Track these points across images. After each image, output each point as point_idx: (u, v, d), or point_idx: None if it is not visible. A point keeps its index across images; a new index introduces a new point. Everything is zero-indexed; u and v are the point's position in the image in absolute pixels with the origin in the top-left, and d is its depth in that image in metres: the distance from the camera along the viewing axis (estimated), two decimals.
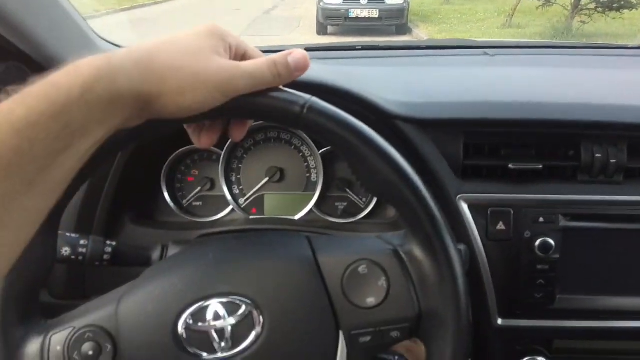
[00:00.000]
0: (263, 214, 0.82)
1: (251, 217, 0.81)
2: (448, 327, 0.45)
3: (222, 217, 0.81)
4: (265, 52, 0.46)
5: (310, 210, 0.80)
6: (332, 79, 0.70)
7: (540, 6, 7.77)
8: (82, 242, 0.57)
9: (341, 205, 0.82)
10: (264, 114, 0.44)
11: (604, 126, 0.71)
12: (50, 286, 0.73)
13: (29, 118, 0.33)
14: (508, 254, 0.68)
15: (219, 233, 0.78)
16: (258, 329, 0.46)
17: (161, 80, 0.39)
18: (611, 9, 7.07)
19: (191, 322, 0.46)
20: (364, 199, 0.82)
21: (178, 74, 0.39)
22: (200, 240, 0.74)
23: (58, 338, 0.47)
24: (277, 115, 0.44)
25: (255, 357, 0.45)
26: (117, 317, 0.47)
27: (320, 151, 0.79)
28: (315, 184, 0.81)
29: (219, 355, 0.45)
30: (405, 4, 8.11)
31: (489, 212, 0.68)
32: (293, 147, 0.82)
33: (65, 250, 0.56)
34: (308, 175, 0.82)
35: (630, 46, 1.19)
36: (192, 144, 0.78)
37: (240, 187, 0.82)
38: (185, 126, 0.48)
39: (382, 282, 0.47)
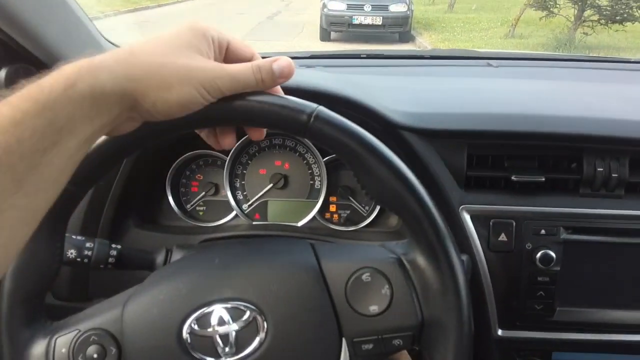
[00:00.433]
0: (266, 220, 0.82)
1: (254, 222, 0.81)
2: (450, 336, 0.46)
3: (226, 222, 0.82)
4: (266, 57, 0.46)
5: (313, 218, 0.81)
6: (337, 87, 0.71)
7: (543, 17, 7.80)
8: (87, 244, 0.58)
9: (344, 213, 0.83)
10: (271, 122, 0.45)
11: (607, 140, 0.71)
12: (54, 288, 0.73)
13: (14, 117, 0.34)
14: (509, 265, 0.68)
15: (223, 238, 0.78)
16: (262, 334, 0.46)
17: (145, 76, 0.39)
18: (614, 22, 7.09)
19: (196, 327, 0.46)
20: (366, 207, 0.82)
21: (162, 70, 0.40)
22: (205, 245, 0.75)
23: (63, 340, 0.47)
24: (284, 124, 0.44)
25: None
26: (122, 321, 0.47)
27: (324, 159, 0.80)
28: (319, 191, 0.81)
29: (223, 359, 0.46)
30: (409, 12, 8.15)
31: (491, 223, 0.68)
32: (297, 154, 0.83)
33: (71, 253, 0.57)
34: (312, 182, 0.83)
35: (632, 60, 1.20)
36: (197, 149, 0.80)
37: (244, 193, 0.83)
38: (197, 132, 0.49)
39: (386, 290, 0.48)
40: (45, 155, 0.35)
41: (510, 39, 8.22)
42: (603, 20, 7.17)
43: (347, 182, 0.82)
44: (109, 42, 0.85)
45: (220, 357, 0.46)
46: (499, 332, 0.71)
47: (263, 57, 0.46)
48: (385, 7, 8.06)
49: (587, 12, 7.40)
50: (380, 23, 8.05)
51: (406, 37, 8.44)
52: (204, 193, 0.83)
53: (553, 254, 0.66)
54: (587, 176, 0.70)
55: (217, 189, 0.83)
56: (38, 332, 0.47)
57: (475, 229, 0.68)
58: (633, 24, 7.14)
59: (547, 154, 0.72)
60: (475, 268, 0.67)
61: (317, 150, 0.80)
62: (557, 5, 7.63)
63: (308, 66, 0.98)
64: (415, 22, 8.92)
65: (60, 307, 0.72)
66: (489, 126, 0.73)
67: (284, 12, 12.70)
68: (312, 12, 10.19)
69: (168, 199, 0.81)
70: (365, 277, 0.48)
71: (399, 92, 0.84)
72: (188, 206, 0.83)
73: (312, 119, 0.43)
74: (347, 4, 8.04)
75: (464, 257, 0.55)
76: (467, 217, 0.69)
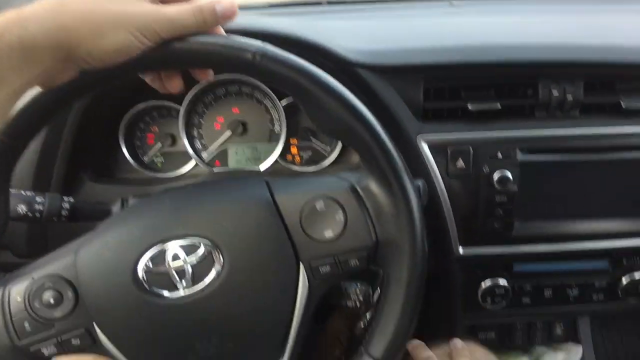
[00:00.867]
0: (227, 167, 0.81)
1: (215, 170, 0.80)
2: (403, 255, 0.47)
3: (186, 172, 0.81)
4: None
5: (275, 161, 0.80)
6: (288, 29, 0.70)
7: None
8: (38, 199, 0.57)
9: (306, 155, 0.82)
10: (214, 62, 0.45)
11: (561, 65, 0.72)
12: (12, 246, 0.72)
13: None
14: (468, 188, 0.69)
15: None
16: (218, 267, 0.46)
17: (77, 24, 0.38)
18: None
19: (151, 265, 0.46)
20: (328, 147, 0.82)
21: (94, 17, 0.38)
22: (159, 190, 0.74)
23: (17, 289, 0.46)
24: (229, 64, 0.44)
25: (217, 292, 0.46)
26: (76, 266, 0.47)
27: (282, 102, 0.79)
28: (279, 134, 0.80)
29: (181, 292, 0.46)
30: None
31: (448, 151, 0.69)
32: (255, 100, 0.81)
33: (21, 208, 0.56)
34: (271, 127, 0.82)
35: None
36: (149, 99, 0.78)
37: (203, 142, 0.81)
38: (142, 77, 0.48)
39: (340, 216, 0.48)
40: None
41: None
42: None
43: (307, 123, 0.81)
44: None
45: (177, 289, 0.46)
46: (460, 250, 0.73)
47: None
48: None
49: None
50: None
51: None
52: (160, 144, 0.81)
53: (510, 175, 0.67)
54: (542, 100, 0.70)
55: (175, 140, 0.81)
56: None
57: (433, 157, 0.69)
58: None
59: (503, 82, 0.72)
60: (434, 192, 0.68)
61: (274, 95, 0.79)
62: None
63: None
64: None
65: (20, 265, 0.70)
66: (444, 58, 0.72)
67: None
68: None
69: (123, 152, 0.79)
70: (319, 205, 0.48)
71: (356, 32, 0.83)
72: (145, 158, 0.82)
73: (257, 57, 0.42)
74: None
75: (419, 182, 0.55)
76: (424, 146, 0.69)
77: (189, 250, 0.46)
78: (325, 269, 0.48)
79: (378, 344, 0.47)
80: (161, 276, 0.46)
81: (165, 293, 0.46)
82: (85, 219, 0.60)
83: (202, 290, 0.46)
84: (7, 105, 0.38)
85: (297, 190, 0.50)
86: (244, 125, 0.81)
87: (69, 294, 0.46)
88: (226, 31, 0.46)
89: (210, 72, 0.50)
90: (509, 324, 0.89)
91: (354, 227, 0.48)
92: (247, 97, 0.81)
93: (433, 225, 0.76)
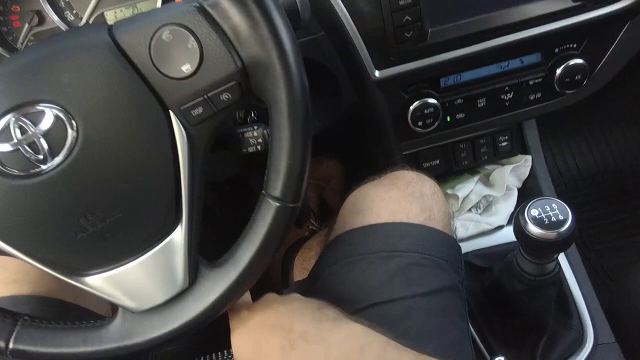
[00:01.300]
0: None
1: None
2: (276, 73, 0.41)
3: None
4: None
5: None
6: None
7: None
8: None
9: None
10: None
11: None
12: None
13: None
14: (371, 4, 0.62)
15: None
16: (72, 132, 0.40)
17: None
18: None
19: None
20: None
21: None
22: None
23: None
24: None
25: (81, 159, 0.40)
26: None
27: None
28: None
29: (43, 167, 0.40)
30: None
31: None
32: None
33: None
34: None
35: None
36: None
37: (74, 12, 0.71)
38: None
39: (192, 43, 0.41)
40: None
41: None
42: None
43: None
44: None
45: (37, 166, 0.40)
46: (376, 73, 0.67)
47: None
48: None
49: None
50: None
51: None
52: (27, 25, 0.71)
53: None
54: None
55: (42, 17, 0.71)
56: None
57: None
58: None
59: None
60: (334, 15, 0.60)
61: None
62: None
63: None
64: None
65: None
66: None
67: None
68: None
69: None
70: (166, 35, 0.41)
71: None
72: (18, 45, 0.72)
73: None
74: None
75: None
76: None
77: (33, 119, 0.39)
78: (197, 111, 0.42)
79: (275, 182, 0.43)
80: (12, 156, 0.40)
81: (24, 172, 0.40)
82: None
83: (64, 160, 0.40)
84: None
85: (139, 25, 0.42)
86: None
87: None
88: None
89: None
90: (451, 147, 0.86)
91: (212, 54, 0.41)
92: None
93: (343, 52, 0.70)
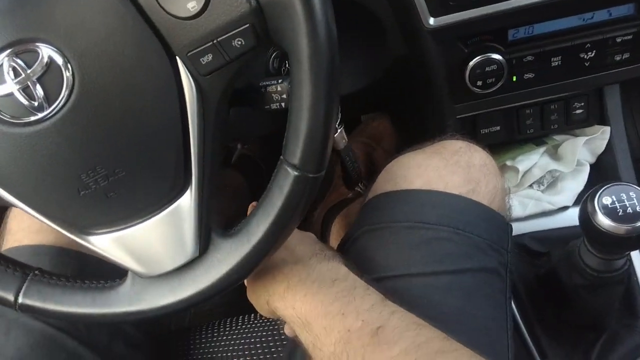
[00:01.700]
0: None
1: None
2: (296, 15, 0.34)
3: None
4: None
5: None
6: None
7: None
8: None
9: None
10: None
11: None
12: None
13: None
14: None
15: None
16: (67, 74, 0.36)
17: None
18: None
19: None
20: None
21: None
22: None
23: None
24: None
25: (79, 110, 0.37)
26: None
27: None
28: None
29: (39, 115, 0.37)
30: None
31: None
32: None
33: None
34: None
35: None
36: None
37: None
38: None
39: None
40: None
41: None
42: None
43: None
44: None
45: (34, 114, 0.37)
46: (431, 21, 0.59)
47: None
48: None
49: None
50: None
51: None
52: None
53: None
54: None
55: None
56: None
57: None
58: None
59: None
60: None
61: None
62: None
63: None
64: None
65: None
66: None
67: None
68: None
69: None
70: None
71: None
72: None
73: None
74: None
75: None
76: None
77: (27, 59, 0.36)
78: (207, 58, 0.36)
79: (294, 147, 0.37)
80: (7, 100, 0.36)
81: (20, 120, 0.37)
82: None
83: (60, 109, 0.36)
84: None
85: None
86: None
87: None
88: None
89: None
90: (515, 112, 0.76)
91: None
92: None
93: None
